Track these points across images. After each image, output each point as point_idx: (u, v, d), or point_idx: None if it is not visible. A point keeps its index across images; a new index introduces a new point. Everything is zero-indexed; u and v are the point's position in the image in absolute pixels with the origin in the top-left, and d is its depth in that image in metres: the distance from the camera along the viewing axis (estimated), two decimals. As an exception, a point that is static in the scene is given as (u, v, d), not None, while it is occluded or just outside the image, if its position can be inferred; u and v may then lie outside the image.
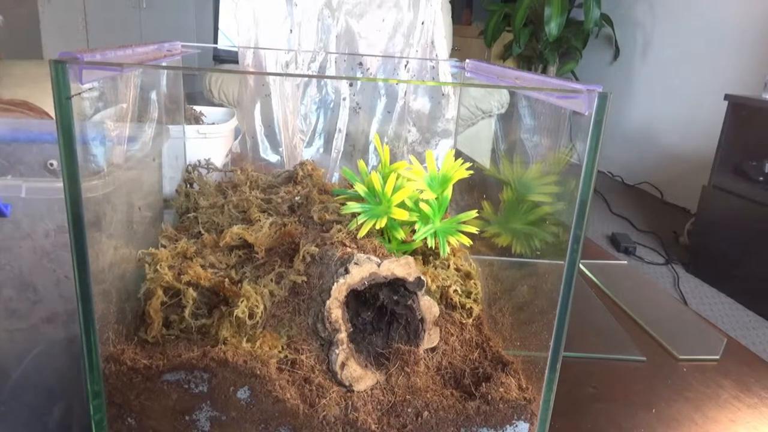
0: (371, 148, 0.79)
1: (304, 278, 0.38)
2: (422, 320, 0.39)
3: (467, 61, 0.63)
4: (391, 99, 0.78)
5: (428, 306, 0.40)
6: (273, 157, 0.78)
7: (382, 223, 0.44)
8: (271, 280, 0.38)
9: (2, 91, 1.00)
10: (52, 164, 0.56)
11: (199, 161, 0.68)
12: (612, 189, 3.43)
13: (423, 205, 0.46)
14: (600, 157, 0.29)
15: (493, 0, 3.70)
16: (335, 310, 0.36)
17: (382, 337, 0.40)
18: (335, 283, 0.37)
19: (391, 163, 0.47)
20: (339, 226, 0.44)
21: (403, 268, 0.38)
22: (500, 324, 0.44)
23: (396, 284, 0.39)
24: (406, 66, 0.76)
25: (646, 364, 0.55)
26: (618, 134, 3.57)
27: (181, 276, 0.39)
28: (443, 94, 0.77)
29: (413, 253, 0.49)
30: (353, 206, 0.45)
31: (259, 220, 0.47)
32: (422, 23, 0.76)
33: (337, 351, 0.36)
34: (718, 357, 0.56)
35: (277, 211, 0.51)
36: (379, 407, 0.35)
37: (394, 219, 0.45)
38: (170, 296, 0.38)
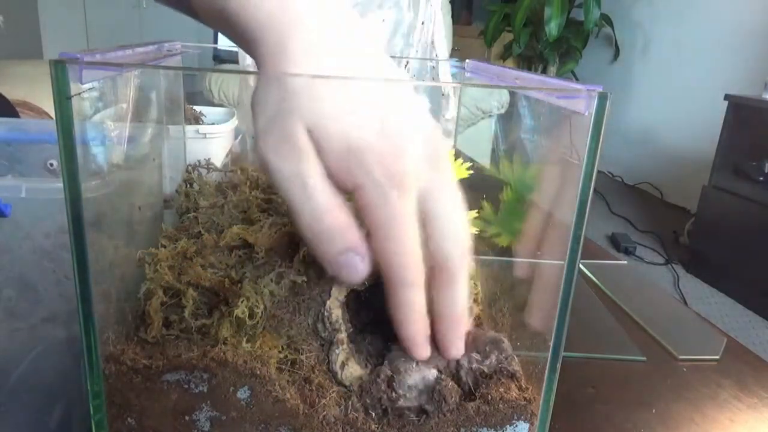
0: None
1: (304, 278, 0.38)
2: (422, 320, 0.39)
3: (467, 61, 0.63)
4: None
5: (428, 306, 0.40)
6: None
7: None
8: (271, 280, 0.38)
9: (2, 90, 1.00)
10: (52, 164, 0.56)
11: (199, 161, 0.68)
12: (612, 189, 3.43)
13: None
14: (600, 157, 0.29)
15: (493, 0, 3.70)
16: (335, 310, 0.36)
17: (382, 337, 0.40)
18: (335, 283, 0.37)
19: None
20: (339, 226, 0.44)
21: (403, 268, 0.38)
22: (500, 324, 0.44)
23: (396, 284, 0.39)
24: (406, 66, 0.76)
25: (646, 364, 0.55)
26: (618, 134, 3.57)
27: (181, 276, 0.39)
28: (443, 95, 0.77)
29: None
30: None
31: (259, 220, 0.47)
32: (422, 23, 0.76)
33: (337, 351, 0.36)
34: (717, 357, 0.56)
35: (277, 211, 0.51)
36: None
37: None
38: (170, 296, 0.38)
